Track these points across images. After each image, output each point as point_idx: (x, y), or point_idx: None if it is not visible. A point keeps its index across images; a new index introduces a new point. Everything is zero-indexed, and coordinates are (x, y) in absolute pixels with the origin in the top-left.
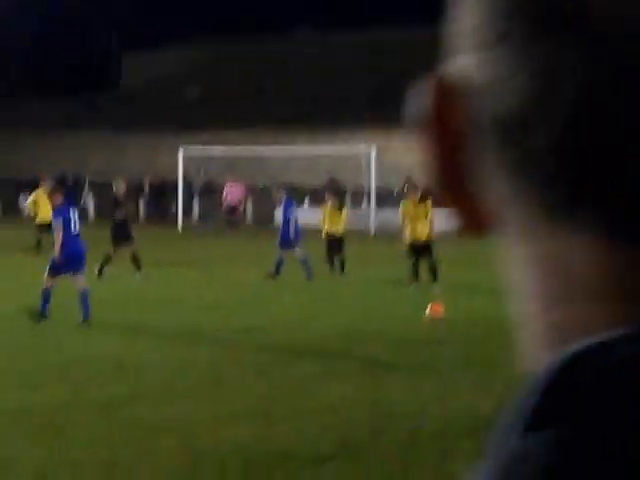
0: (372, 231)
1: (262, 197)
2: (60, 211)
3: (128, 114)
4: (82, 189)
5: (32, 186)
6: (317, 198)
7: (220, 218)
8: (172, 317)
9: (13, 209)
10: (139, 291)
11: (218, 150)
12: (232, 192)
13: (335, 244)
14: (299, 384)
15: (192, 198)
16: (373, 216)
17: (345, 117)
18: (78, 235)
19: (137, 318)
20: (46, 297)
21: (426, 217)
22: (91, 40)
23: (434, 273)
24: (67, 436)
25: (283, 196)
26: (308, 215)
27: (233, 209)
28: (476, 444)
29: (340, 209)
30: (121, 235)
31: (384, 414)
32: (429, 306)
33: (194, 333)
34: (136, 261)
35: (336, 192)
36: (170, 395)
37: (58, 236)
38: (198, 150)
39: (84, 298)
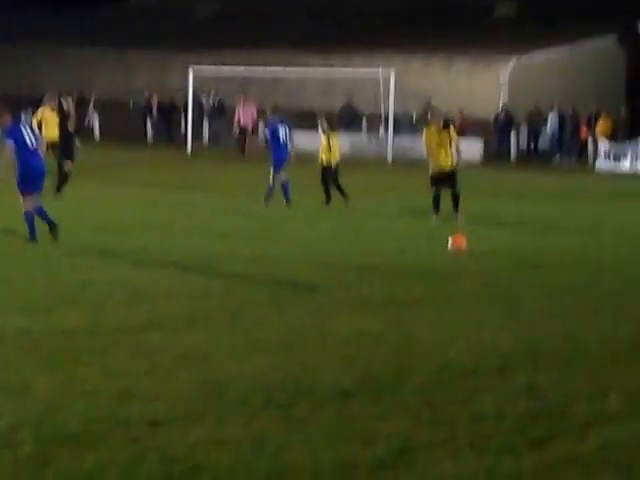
0: (389, 158)
1: None
2: (10, 131)
3: (137, 30)
4: (87, 108)
5: (35, 104)
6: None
7: (231, 141)
8: (183, 243)
9: None
10: (147, 216)
11: (229, 70)
12: (245, 112)
13: (326, 173)
14: (318, 316)
15: (202, 119)
16: (391, 143)
17: (362, 38)
18: (36, 152)
19: (147, 243)
20: (30, 221)
21: (450, 145)
22: None
23: (457, 204)
24: (82, 363)
25: (270, 117)
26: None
27: (244, 130)
28: (504, 382)
29: (328, 136)
30: (66, 149)
31: (408, 349)
32: (451, 238)
33: (206, 261)
34: (64, 180)
35: (328, 117)
36: (187, 324)
37: (9, 157)
38: (209, 70)
39: (42, 214)
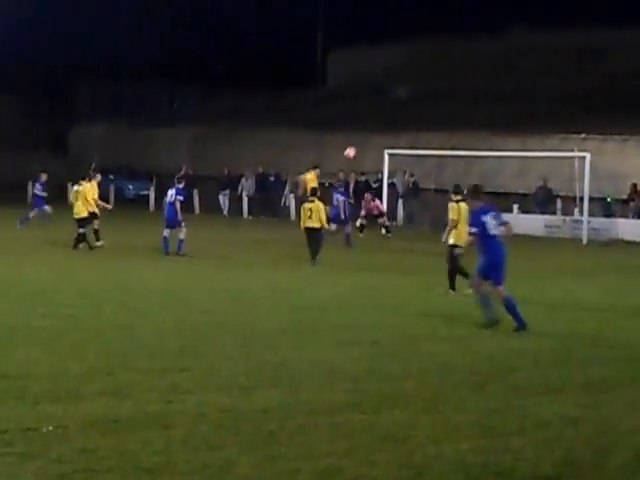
0: (584, 240)
1: None
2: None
3: (331, 112)
4: (283, 188)
5: (232, 184)
6: (527, 204)
7: (425, 221)
8: (382, 322)
9: (213, 206)
10: (345, 296)
11: (424, 152)
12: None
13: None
14: (515, 398)
15: (397, 199)
16: (586, 224)
17: (556, 120)
18: None
19: (346, 322)
20: None
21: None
22: (297, 37)
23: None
24: (281, 443)
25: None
26: (516, 222)
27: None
28: None
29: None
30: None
31: (608, 432)
32: None
33: (405, 340)
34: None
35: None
36: (386, 404)
37: None
38: (403, 151)
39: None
